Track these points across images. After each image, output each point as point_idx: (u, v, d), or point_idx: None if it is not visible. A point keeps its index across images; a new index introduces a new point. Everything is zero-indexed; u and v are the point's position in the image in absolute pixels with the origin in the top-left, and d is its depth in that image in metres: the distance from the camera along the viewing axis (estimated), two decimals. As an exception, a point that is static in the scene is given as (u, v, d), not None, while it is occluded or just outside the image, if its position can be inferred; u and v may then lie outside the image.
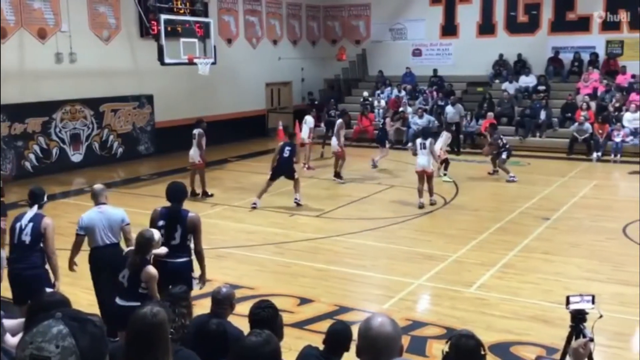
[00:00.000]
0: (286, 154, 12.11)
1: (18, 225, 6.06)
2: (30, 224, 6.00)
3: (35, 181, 14.25)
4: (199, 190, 12.90)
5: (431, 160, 12.14)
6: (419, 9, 23.15)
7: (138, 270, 5.26)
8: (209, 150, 13.28)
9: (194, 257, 6.33)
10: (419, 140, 12.29)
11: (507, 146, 14.80)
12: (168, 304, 4.26)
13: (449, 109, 18.85)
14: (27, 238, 5.94)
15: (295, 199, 12.19)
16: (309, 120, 16.55)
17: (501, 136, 14.96)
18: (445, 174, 14.45)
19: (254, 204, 12.16)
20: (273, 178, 12.20)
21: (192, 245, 6.32)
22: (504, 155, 14.65)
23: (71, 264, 6.47)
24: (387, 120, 18.74)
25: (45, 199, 6.57)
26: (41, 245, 5.99)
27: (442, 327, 6.60)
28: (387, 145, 16.79)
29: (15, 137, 14.99)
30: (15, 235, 6.02)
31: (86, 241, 6.43)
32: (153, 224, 6.11)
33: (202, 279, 6.41)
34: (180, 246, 6.14)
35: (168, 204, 6.34)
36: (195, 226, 6.19)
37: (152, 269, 5.31)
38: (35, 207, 6.22)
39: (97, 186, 6.80)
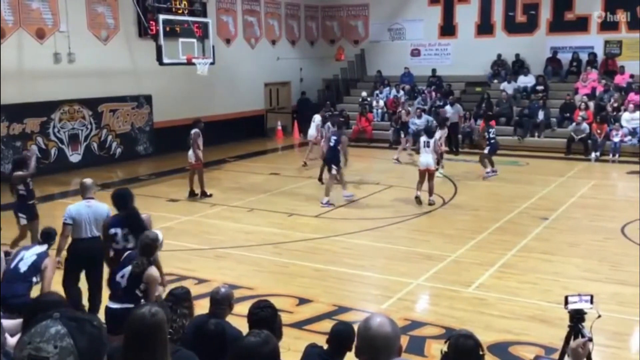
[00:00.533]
0: (332, 142, 12.60)
1: (22, 253, 5.97)
2: (34, 257, 5.88)
3: (33, 181, 14.24)
4: (197, 191, 12.87)
5: (434, 158, 12.29)
6: (418, 9, 23.16)
7: (141, 271, 5.26)
8: (208, 151, 13.28)
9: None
10: (422, 139, 12.44)
11: (492, 141, 14.77)
12: (170, 304, 4.26)
13: (448, 108, 18.84)
14: (23, 267, 5.79)
15: (344, 195, 12.51)
16: (317, 118, 16.41)
17: (489, 130, 14.95)
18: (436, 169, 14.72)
19: (348, 195, 12.53)
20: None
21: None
22: (486, 150, 14.74)
23: (58, 254, 6.61)
24: (402, 112, 18.80)
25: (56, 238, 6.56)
26: (34, 279, 5.81)
27: (440, 327, 6.60)
28: (407, 137, 17.21)
29: (13, 138, 14.97)
30: (13, 261, 5.89)
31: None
32: (105, 232, 6.26)
33: (163, 281, 6.19)
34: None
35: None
36: (148, 227, 6.17)
37: (155, 271, 5.31)
38: (46, 246, 6.18)
39: (87, 180, 7.02)
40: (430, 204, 12.09)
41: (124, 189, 6.75)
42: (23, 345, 1.55)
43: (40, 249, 6.07)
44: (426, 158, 12.11)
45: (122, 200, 6.38)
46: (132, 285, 5.30)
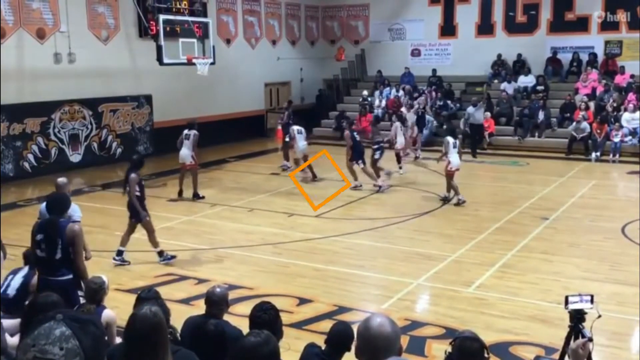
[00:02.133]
0: (359, 138, 13.79)
1: (10, 277, 5.74)
2: (21, 280, 5.66)
3: (34, 181, 14.29)
4: (199, 191, 12.82)
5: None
6: (418, 9, 23.16)
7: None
8: (208, 151, 13.28)
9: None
10: (451, 140, 12.42)
11: (382, 144, 14.03)
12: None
13: (470, 109, 18.15)
14: (11, 292, 5.60)
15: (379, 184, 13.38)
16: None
17: (380, 132, 14.57)
18: (400, 167, 15.27)
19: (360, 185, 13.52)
20: (353, 159, 13.60)
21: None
22: (377, 155, 13.80)
23: None
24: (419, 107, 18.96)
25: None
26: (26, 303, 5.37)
27: (441, 327, 6.61)
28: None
29: (13, 138, 14.97)
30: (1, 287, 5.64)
31: None
32: (32, 238, 5.65)
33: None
34: (63, 261, 5.52)
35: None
36: (73, 238, 5.53)
37: (110, 314, 4.97)
38: (27, 267, 5.88)
39: (60, 179, 7.13)
40: (460, 202, 12.14)
41: (61, 194, 6.44)
42: (27, 348, 1.54)
43: (24, 271, 5.80)
44: (457, 158, 12.33)
45: (54, 204, 5.91)
46: None
